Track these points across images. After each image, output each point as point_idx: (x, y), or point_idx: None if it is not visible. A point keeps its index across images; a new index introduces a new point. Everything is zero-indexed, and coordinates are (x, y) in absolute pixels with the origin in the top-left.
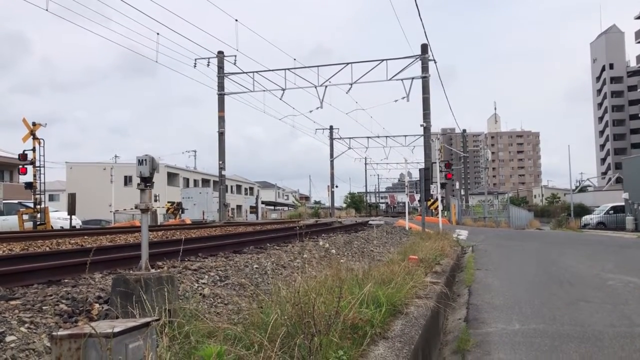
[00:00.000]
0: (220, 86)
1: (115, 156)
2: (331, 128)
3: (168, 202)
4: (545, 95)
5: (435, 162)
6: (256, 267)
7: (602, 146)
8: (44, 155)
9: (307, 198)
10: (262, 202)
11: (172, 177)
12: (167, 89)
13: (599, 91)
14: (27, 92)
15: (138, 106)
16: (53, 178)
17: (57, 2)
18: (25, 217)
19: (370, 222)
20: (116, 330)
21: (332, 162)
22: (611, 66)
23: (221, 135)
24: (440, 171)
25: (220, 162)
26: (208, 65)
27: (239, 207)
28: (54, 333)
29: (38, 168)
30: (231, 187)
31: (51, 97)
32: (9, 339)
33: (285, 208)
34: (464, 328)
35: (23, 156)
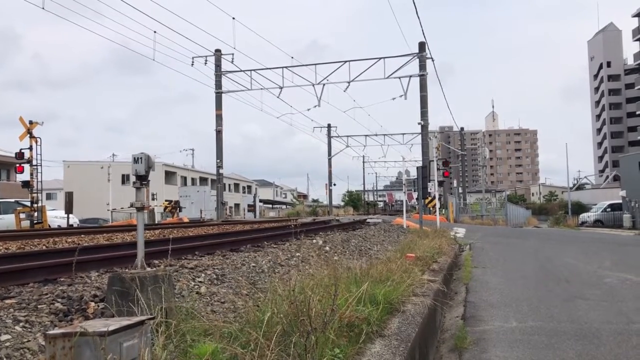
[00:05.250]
0: (218, 84)
1: (113, 154)
2: (329, 126)
3: (166, 200)
4: (543, 93)
5: (433, 160)
6: (253, 266)
7: (600, 144)
8: (41, 154)
9: (305, 196)
10: (260, 201)
11: (169, 176)
12: (164, 87)
13: (597, 89)
14: (21, 89)
15: (135, 104)
16: (50, 177)
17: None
18: (22, 215)
19: (368, 220)
20: (110, 328)
21: (330, 160)
22: (608, 64)
23: (219, 133)
24: (438, 169)
25: (218, 161)
26: (205, 63)
27: (236, 205)
28: (48, 332)
29: (35, 167)
30: (229, 185)
31: (46, 94)
32: (3, 337)
33: (283, 206)
34: (461, 326)
35: (20, 155)
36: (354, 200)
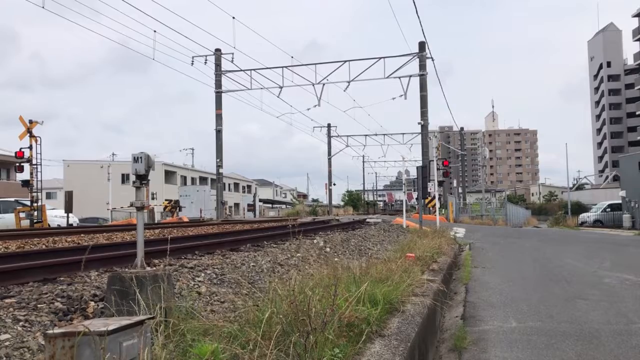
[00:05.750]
0: (218, 84)
1: (113, 154)
2: (329, 126)
3: (166, 200)
4: (543, 93)
5: (433, 160)
6: (253, 265)
7: (600, 144)
8: (40, 153)
9: (304, 196)
10: (260, 200)
11: (169, 175)
12: (163, 86)
13: (597, 89)
14: (20, 88)
15: (134, 103)
16: (50, 176)
17: None
18: (22, 215)
19: (367, 220)
20: (110, 328)
21: (329, 159)
22: (608, 64)
23: (219, 133)
24: (438, 169)
25: (218, 160)
26: (205, 62)
27: (236, 205)
28: (47, 331)
29: (35, 166)
30: (229, 185)
31: (45, 93)
32: (3, 337)
33: (283, 206)
34: (461, 326)
35: (20, 154)
36: (353, 200)
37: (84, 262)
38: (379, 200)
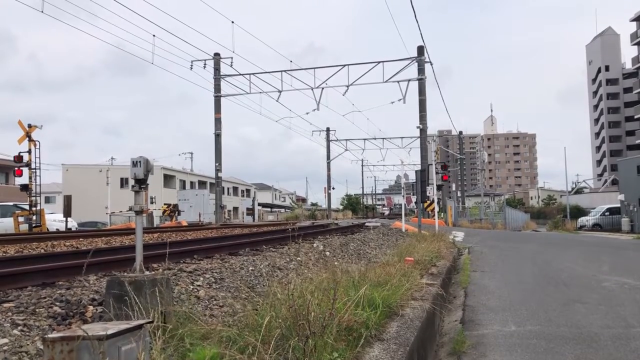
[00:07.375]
0: (217, 88)
1: (112, 158)
2: (328, 130)
3: (164, 204)
4: (541, 97)
5: (432, 164)
6: (251, 269)
7: (598, 148)
8: (39, 157)
9: (303, 200)
10: (259, 204)
11: (168, 179)
12: (162, 90)
13: (595, 93)
14: (17, 91)
15: (133, 107)
16: (49, 180)
17: (50, 3)
18: (20, 219)
19: (366, 224)
20: (109, 332)
21: (329, 163)
22: (607, 68)
23: (217, 137)
24: (437, 173)
25: (217, 164)
26: (204, 67)
27: (235, 209)
28: (46, 336)
29: (34, 170)
30: (228, 189)
31: (42, 96)
32: (1, 341)
33: (282, 210)
34: (460, 330)
35: (19, 158)
36: (352, 203)
37: (85, 266)
38: (378, 204)
